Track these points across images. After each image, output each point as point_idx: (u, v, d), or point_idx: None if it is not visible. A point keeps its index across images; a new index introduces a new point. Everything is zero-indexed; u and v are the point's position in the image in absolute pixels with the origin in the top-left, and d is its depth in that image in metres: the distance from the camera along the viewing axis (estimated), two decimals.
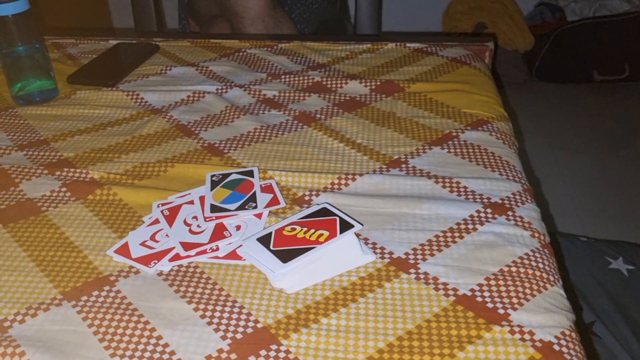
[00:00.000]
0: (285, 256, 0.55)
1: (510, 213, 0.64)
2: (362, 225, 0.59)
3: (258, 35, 1.18)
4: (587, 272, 1.10)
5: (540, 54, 2.27)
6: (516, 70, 2.30)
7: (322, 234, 0.57)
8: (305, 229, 0.58)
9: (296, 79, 0.96)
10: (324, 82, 0.94)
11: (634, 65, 2.20)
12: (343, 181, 0.70)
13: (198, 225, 0.62)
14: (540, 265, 0.57)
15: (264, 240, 0.57)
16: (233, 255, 0.59)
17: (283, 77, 0.97)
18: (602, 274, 1.09)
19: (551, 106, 2.16)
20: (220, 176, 0.70)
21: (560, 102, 2.18)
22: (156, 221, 0.63)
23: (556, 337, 0.49)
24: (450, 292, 0.54)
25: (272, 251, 0.56)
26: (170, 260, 0.58)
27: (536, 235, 0.61)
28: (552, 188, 1.70)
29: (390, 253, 0.59)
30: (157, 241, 0.61)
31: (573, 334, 0.50)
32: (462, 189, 0.68)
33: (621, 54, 2.21)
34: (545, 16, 2.30)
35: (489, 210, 0.64)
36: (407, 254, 0.58)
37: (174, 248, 0.59)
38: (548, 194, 1.66)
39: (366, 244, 0.60)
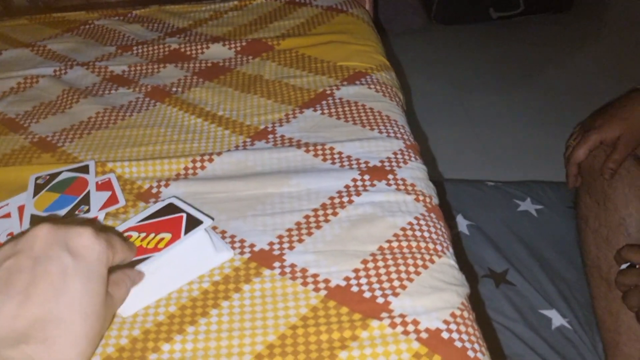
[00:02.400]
0: None
1: (391, 176, 0.55)
2: (212, 219, 0.49)
3: (108, 3, 1.03)
4: (497, 219, 1.05)
5: None
6: (415, 16, 2.24)
7: (163, 238, 0.46)
8: (143, 234, 0.47)
9: (150, 49, 0.83)
10: (183, 50, 0.82)
11: None
12: (198, 164, 0.59)
13: None
14: (426, 235, 0.49)
15: None
16: None
17: (135, 48, 0.83)
18: (512, 218, 1.05)
19: (453, 49, 2.12)
20: (48, 177, 0.57)
21: (461, 44, 2.14)
22: None
23: (445, 321, 0.41)
24: (321, 286, 0.45)
25: None
26: None
27: (421, 198, 0.53)
28: (460, 132, 1.66)
29: (252, 245, 0.49)
30: None
31: (465, 313, 0.43)
32: (336, 156, 0.58)
33: None
34: None
35: (366, 177, 0.55)
36: (271, 244, 0.49)
37: None
38: (457, 139, 1.62)
39: (224, 237, 0.50)
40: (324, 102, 0.67)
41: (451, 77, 1.94)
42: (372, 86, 0.70)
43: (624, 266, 0.81)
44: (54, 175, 0.57)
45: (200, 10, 0.95)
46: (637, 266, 0.79)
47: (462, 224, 1.04)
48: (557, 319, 0.89)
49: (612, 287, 0.86)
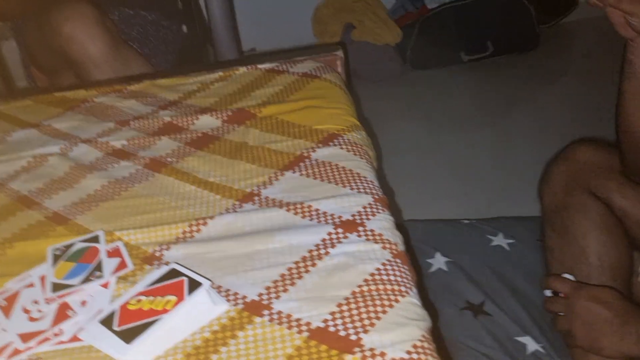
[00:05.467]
0: (129, 335, 0.52)
1: (361, 228, 0.64)
2: (210, 281, 0.57)
3: (105, 80, 1.13)
4: (472, 254, 1.14)
5: (410, 44, 2.34)
6: (391, 63, 2.36)
7: (170, 301, 0.55)
8: (151, 298, 0.55)
9: (146, 122, 0.92)
10: (175, 122, 0.91)
11: (495, 41, 2.32)
12: (195, 227, 0.67)
13: (39, 310, 0.58)
14: (392, 278, 0.57)
15: (107, 321, 0.54)
16: (78, 337, 0.55)
17: (132, 123, 0.93)
18: (486, 253, 1.14)
19: (427, 92, 2.24)
20: (64, 248, 0.66)
21: (435, 87, 2.26)
22: None
23: (407, 352, 0.50)
24: (304, 328, 0.53)
25: (115, 332, 0.52)
26: (8, 357, 0.54)
27: (387, 246, 0.62)
28: (437, 170, 1.75)
29: (244, 297, 0.57)
30: None
31: (425, 344, 0.51)
32: (314, 213, 0.67)
33: (482, 33, 2.32)
34: (407, 7, 2.38)
35: (340, 230, 0.64)
36: (260, 295, 0.57)
37: (12, 343, 0.55)
38: (434, 177, 1.71)
39: (219, 291, 0.58)
40: (302, 164, 0.77)
41: (427, 118, 2.06)
42: (344, 147, 0.79)
43: (547, 292, 0.89)
44: (68, 246, 0.66)
45: (188, 83, 1.05)
46: (560, 294, 0.87)
47: (440, 260, 1.13)
48: (531, 345, 0.97)
49: None
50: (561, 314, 0.86)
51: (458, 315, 1.03)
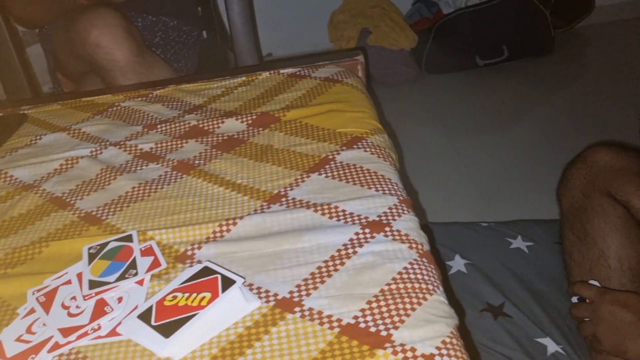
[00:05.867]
0: (167, 330, 0.54)
1: (387, 229, 0.65)
2: (243, 278, 0.59)
3: (131, 85, 1.16)
4: (491, 256, 1.15)
5: (425, 49, 2.36)
6: (406, 68, 2.38)
7: (204, 297, 0.56)
8: (187, 294, 0.57)
9: (173, 126, 0.95)
10: (201, 125, 0.94)
11: (511, 46, 2.33)
12: (224, 227, 0.69)
13: (77, 306, 0.60)
14: (420, 277, 0.59)
15: (145, 316, 0.56)
16: (116, 332, 0.57)
17: (159, 126, 0.95)
18: (505, 255, 1.15)
19: (443, 95, 2.26)
20: (98, 247, 0.68)
21: (451, 91, 2.28)
22: (32, 311, 0.60)
23: (437, 347, 0.51)
24: (335, 324, 0.54)
25: (153, 327, 0.54)
26: (50, 351, 0.56)
27: (414, 246, 0.63)
28: (454, 174, 1.76)
29: (275, 295, 0.59)
30: (33, 333, 0.58)
31: (454, 340, 0.52)
32: (340, 213, 0.69)
33: (498, 38, 2.34)
34: (423, 12, 2.40)
35: (367, 230, 0.65)
36: (291, 292, 0.59)
37: (52, 337, 0.57)
38: (451, 180, 1.73)
39: (251, 289, 0.60)
40: (327, 166, 0.78)
41: (443, 122, 2.07)
42: (367, 149, 0.81)
43: (574, 299, 0.91)
44: (103, 245, 0.68)
45: (212, 87, 1.07)
46: (587, 300, 0.88)
47: (459, 263, 1.14)
48: (551, 346, 0.98)
49: None
50: (587, 319, 0.87)
51: (478, 316, 1.04)
